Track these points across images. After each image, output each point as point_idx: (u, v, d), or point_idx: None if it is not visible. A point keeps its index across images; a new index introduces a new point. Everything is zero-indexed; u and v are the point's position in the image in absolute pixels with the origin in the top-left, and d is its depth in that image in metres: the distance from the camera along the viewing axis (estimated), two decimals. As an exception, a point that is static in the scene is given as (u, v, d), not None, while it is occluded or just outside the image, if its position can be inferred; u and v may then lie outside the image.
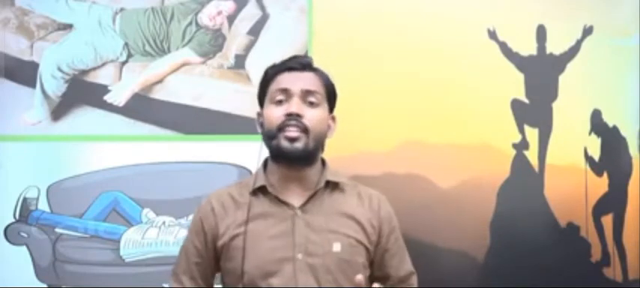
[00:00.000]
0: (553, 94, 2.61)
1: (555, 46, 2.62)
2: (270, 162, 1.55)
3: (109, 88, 2.43)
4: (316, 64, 1.58)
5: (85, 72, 2.43)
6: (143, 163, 2.41)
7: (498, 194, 2.55)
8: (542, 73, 2.61)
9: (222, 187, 1.61)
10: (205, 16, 2.48)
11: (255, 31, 2.48)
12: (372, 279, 1.55)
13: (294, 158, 1.48)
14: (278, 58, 1.58)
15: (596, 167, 2.62)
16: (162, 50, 2.45)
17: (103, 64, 2.44)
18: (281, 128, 1.46)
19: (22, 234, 2.36)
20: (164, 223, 2.40)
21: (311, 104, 1.50)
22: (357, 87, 2.42)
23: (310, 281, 1.46)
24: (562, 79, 2.62)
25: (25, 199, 2.36)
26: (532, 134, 2.59)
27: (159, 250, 2.38)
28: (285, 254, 1.47)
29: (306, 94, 1.49)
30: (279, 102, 1.49)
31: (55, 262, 2.36)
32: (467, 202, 2.52)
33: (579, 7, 2.63)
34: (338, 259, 1.48)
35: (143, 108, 2.43)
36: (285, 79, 1.51)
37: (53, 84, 2.41)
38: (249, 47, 2.48)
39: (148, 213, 2.40)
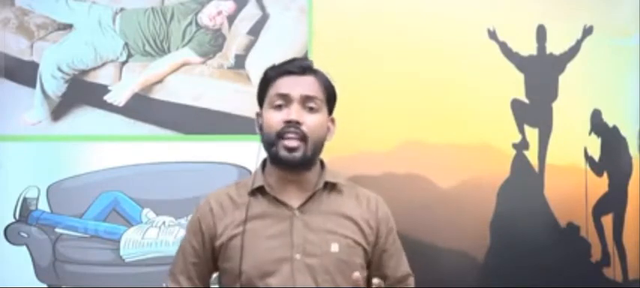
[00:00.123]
0: (553, 94, 2.61)
1: (555, 46, 2.62)
2: (268, 163, 1.56)
3: (109, 88, 2.43)
4: (316, 64, 1.58)
5: (85, 72, 2.43)
6: (143, 163, 2.41)
7: (498, 194, 2.55)
8: (542, 73, 2.61)
9: (222, 187, 1.62)
10: (205, 16, 2.48)
11: (255, 31, 2.48)
12: (369, 280, 1.55)
13: (293, 166, 1.49)
14: (278, 58, 1.58)
15: (596, 167, 2.62)
16: (162, 50, 2.45)
17: (103, 64, 2.44)
18: (280, 135, 1.47)
19: (22, 234, 2.36)
20: (164, 223, 2.40)
21: (310, 109, 1.50)
22: (357, 87, 2.42)
23: (308, 281, 1.47)
24: (562, 79, 2.62)
25: (25, 199, 2.36)
26: (532, 134, 2.59)
27: (159, 250, 2.38)
28: (283, 254, 1.48)
29: (305, 99, 1.49)
30: (279, 107, 1.50)
31: (55, 262, 2.36)
32: (467, 202, 2.52)
33: (579, 7, 2.63)
34: (336, 259, 1.49)
35: (143, 108, 2.43)
36: (285, 84, 1.50)
37: (53, 84, 2.41)
38: (249, 47, 2.48)
39: (148, 213, 2.40)
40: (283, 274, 1.47)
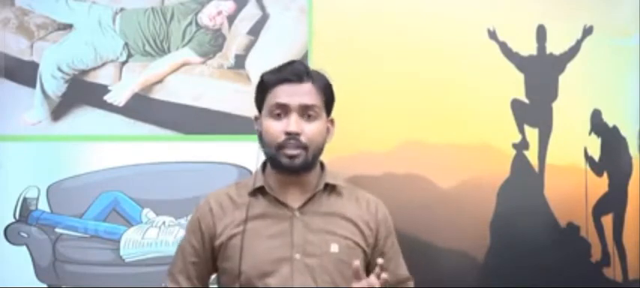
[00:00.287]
0: (553, 94, 2.61)
1: (555, 46, 2.61)
2: (269, 166, 1.56)
3: (109, 88, 2.43)
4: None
5: (85, 72, 2.43)
6: (143, 163, 2.41)
7: (498, 194, 2.55)
8: (542, 73, 2.61)
9: (222, 187, 1.62)
10: (205, 16, 2.48)
11: (255, 31, 2.48)
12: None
13: (293, 171, 1.50)
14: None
15: (596, 167, 2.62)
16: (162, 50, 2.45)
17: (103, 64, 2.44)
18: (280, 147, 1.48)
19: (22, 234, 2.36)
20: (164, 223, 2.40)
21: (309, 117, 1.50)
22: (357, 87, 2.42)
23: (307, 281, 1.47)
24: (562, 79, 2.62)
25: (25, 199, 2.36)
26: (532, 134, 2.59)
27: (159, 250, 2.38)
28: (283, 254, 1.48)
29: (304, 109, 1.50)
30: (278, 115, 1.50)
31: (55, 262, 2.36)
32: (467, 202, 2.51)
33: (579, 7, 2.63)
34: (335, 259, 1.49)
35: (143, 108, 2.43)
36: (283, 93, 1.50)
37: (53, 84, 2.41)
38: (249, 47, 2.48)
39: (148, 213, 2.40)
40: (283, 275, 1.47)
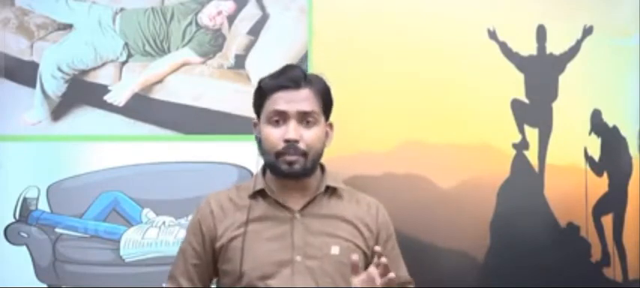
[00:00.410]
0: (553, 94, 2.61)
1: (555, 46, 2.61)
2: (269, 169, 1.57)
3: (109, 88, 2.43)
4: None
5: (85, 72, 2.43)
6: (143, 163, 2.41)
7: (498, 194, 2.55)
8: (542, 73, 2.60)
9: (222, 188, 1.62)
10: (205, 16, 2.47)
11: (255, 31, 2.48)
12: None
13: (293, 177, 1.51)
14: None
15: (596, 167, 2.62)
16: (162, 50, 2.45)
17: (103, 64, 2.44)
18: (279, 154, 1.49)
19: (22, 234, 2.36)
20: (164, 223, 2.40)
21: (307, 123, 1.51)
22: (357, 87, 2.42)
23: (308, 283, 1.48)
24: (562, 79, 2.62)
25: (25, 199, 2.36)
26: (532, 134, 2.59)
27: (159, 250, 2.38)
28: (284, 256, 1.49)
29: (302, 115, 1.50)
30: (276, 122, 1.51)
31: (55, 262, 2.36)
32: (467, 202, 2.51)
33: (579, 7, 2.63)
34: (336, 261, 1.50)
35: (143, 108, 2.43)
36: (281, 101, 1.50)
37: (53, 84, 2.41)
38: (249, 47, 2.48)
39: (148, 213, 2.40)
40: (283, 276, 1.47)
